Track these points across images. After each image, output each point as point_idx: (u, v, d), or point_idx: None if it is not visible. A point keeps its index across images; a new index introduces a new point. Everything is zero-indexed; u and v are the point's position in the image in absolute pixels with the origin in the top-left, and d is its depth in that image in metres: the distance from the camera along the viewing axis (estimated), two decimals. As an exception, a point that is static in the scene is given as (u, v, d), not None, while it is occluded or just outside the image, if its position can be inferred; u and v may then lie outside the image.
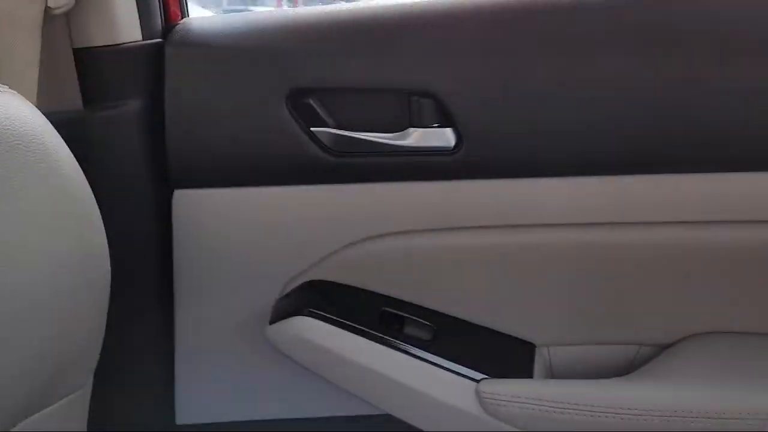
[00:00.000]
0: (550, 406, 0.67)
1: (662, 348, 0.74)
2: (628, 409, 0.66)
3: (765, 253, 0.67)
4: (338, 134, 0.69)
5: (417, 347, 0.72)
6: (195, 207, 0.74)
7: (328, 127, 0.69)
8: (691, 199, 0.66)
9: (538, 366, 0.74)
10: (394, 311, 0.75)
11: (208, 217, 0.74)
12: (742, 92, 0.64)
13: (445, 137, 0.67)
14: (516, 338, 0.76)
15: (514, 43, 0.65)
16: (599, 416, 0.66)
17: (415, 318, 0.75)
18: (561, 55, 0.65)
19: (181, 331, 0.78)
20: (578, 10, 0.65)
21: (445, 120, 0.67)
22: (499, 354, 0.74)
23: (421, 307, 0.76)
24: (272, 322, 0.73)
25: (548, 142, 0.65)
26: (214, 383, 0.79)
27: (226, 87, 0.70)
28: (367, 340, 0.71)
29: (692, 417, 0.64)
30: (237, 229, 0.74)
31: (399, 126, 0.68)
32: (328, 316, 0.72)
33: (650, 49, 0.63)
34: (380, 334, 0.72)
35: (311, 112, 0.69)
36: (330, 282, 0.75)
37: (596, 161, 0.66)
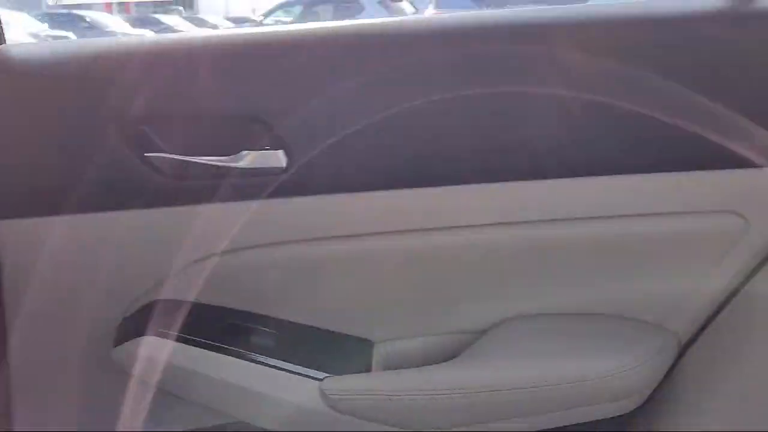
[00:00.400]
0: (387, 395, 0.75)
1: (481, 333, 0.84)
2: (454, 389, 0.75)
3: (560, 245, 0.79)
4: (173, 159, 0.72)
5: (263, 355, 0.76)
6: (22, 237, 0.72)
7: (163, 152, 0.72)
8: (492, 204, 0.76)
9: (376, 360, 0.82)
10: (240, 323, 0.79)
11: (38, 246, 0.73)
12: (535, 113, 0.74)
13: (277, 158, 0.72)
14: (355, 337, 0.83)
15: (335, 72, 0.72)
16: (430, 399, 0.75)
17: (260, 328, 0.79)
18: (377, 83, 0.72)
19: (18, 363, 0.77)
20: (386, 45, 0.73)
21: (275, 143, 0.72)
22: (340, 353, 0.81)
23: (265, 317, 0.80)
24: (117, 344, 0.74)
25: (369, 159, 0.72)
26: (56, 411, 0.78)
27: (53, 116, 0.70)
28: (215, 353, 0.75)
29: (507, 389, 0.75)
30: (73, 256, 0.74)
31: (233, 149, 0.72)
32: (174, 333, 0.75)
33: (449, 78, 0.72)
34: (227, 346, 0.75)
35: (145, 139, 0.71)
36: (174, 300, 0.77)
37: (410, 176, 0.74)
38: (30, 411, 0.79)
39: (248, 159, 0.72)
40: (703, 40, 0.70)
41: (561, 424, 0.78)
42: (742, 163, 0.73)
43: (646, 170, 0.74)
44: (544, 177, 0.75)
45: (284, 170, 0.72)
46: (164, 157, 0.71)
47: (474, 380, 0.76)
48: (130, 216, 0.73)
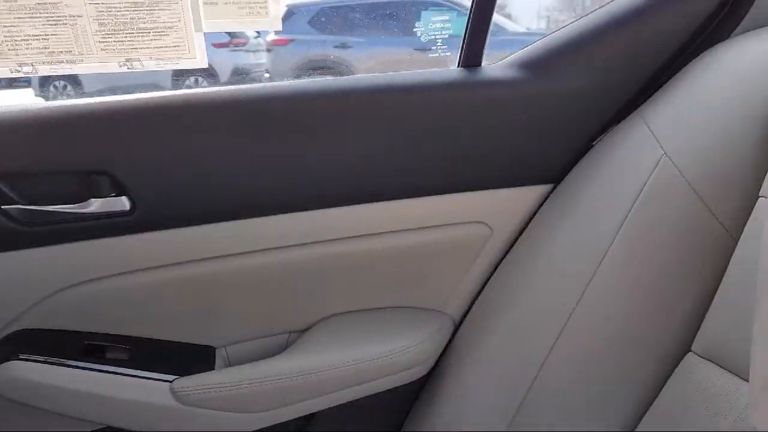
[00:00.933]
0: (228, 387, 0.93)
1: (303, 332, 1.05)
2: (283, 375, 0.95)
3: (361, 257, 1.02)
4: (29, 209, 0.85)
5: (119, 366, 0.91)
6: None
7: (19, 204, 0.85)
8: (303, 228, 0.96)
9: (218, 362, 1.00)
10: (96, 343, 0.93)
11: None
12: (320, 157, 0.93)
13: (122, 203, 0.87)
14: (199, 345, 1.01)
15: (168, 131, 0.87)
16: (265, 385, 0.94)
17: (115, 345, 0.94)
18: (202, 135, 0.88)
19: None
20: (195, 105, 0.88)
21: (120, 190, 0.87)
22: (186, 360, 0.98)
23: (119, 336, 0.95)
24: (-17, 372, 0.86)
25: (199, 200, 0.90)
26: None
27: None
28: (75, 370, 0.89)
29: (323, 371, 0.96)
30: None
31: (83, 197, 0.87)
32: (37, 357, 0.88)
33: (250, 130, 0.89)
34: (85, 363, 0.90)
35: (1, 193, 0.84)
36: (36, 329, 0.90)
37: (228, 210, 0.91)
38: None
39: (96, 204, 0.87)
40: (442, 100, 0.96)
41: (366, 394, 1.00)
42: (484, 185, 1.01)
43: (419, 195, 0.99)
44: (346, 204, 0.97)
45: (129, 212, 0.88)
46: (21, 208, 0.85)
47: (298, 367, 0.96)
48: None
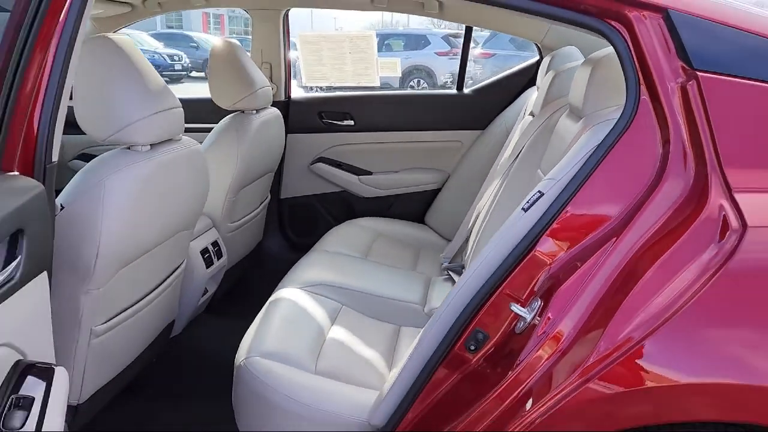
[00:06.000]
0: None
1: (396, 172, 3.38)
2: (390, 178, 3.30)
3: (420, 149, 3.32)
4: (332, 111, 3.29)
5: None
6: None
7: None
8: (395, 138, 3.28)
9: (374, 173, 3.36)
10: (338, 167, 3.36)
11: None
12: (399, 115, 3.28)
13: (351, 123, 3.27)
14: (365, 169, 3.38)
15: (368, 104, 3.27)
16: (379, 180, 3.30)
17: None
18: (375, 108, 3.26)
19: None
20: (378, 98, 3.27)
21: (351, 118, 3.27)
22: (358, 171, 3.35)
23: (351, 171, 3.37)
24: None
25: (371, 122, 3.27)
26: None
27: None
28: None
29: (394, 176, 3.29)
30: None
31: (345, 119, 3.28)
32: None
33: (384, 107, 3.27)
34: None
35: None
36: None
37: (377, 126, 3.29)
38: None
39: (345, 122, 3.26)
40: (444, 104, 3.25)
41: (411, 191, 3.30)
42: (458, 128, 3.26)
43: (432, 130, 3.27)
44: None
45: (354, 126, 3.26)
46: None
47: (392, 176, 3.30)
48: None
